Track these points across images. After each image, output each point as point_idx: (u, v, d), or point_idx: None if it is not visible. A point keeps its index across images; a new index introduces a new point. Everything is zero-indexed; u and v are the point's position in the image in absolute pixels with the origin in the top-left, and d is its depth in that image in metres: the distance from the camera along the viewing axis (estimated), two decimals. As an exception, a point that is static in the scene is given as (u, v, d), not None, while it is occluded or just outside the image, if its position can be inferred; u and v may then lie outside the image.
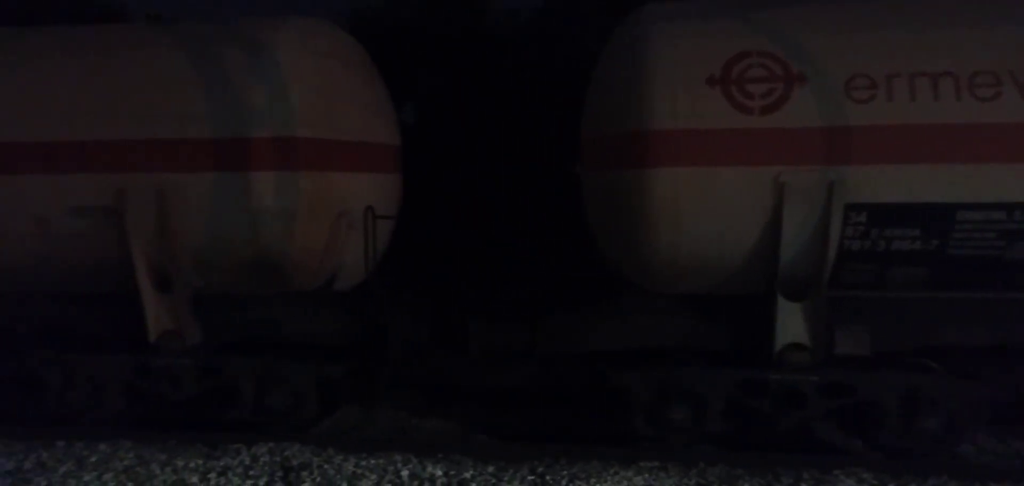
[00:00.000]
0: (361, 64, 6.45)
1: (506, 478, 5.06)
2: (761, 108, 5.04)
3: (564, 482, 4.95)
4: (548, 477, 5.02)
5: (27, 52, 5.95)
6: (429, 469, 5.21)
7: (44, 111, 5.71)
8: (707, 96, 5.07)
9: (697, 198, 5.06)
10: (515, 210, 7.68)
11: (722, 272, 5.27)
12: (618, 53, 5.50)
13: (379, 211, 6.27)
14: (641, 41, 5.28)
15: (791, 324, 5.24)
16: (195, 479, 5.15)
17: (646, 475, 5.03)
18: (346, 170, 5.97)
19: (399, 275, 6.58)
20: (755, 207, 5.06)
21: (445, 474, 5.15)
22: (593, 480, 4.95)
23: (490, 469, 5.23)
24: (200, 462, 5.42)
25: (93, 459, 5.54)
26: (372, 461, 5.35)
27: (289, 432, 5.85)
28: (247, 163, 5.43)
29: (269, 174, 5.44)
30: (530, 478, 5.05)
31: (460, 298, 6.37)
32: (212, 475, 5.20)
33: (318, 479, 5.10)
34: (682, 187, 5.05)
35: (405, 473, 5.15)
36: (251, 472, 5.22)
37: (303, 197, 5.54)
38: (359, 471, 5.20)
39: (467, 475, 5.13)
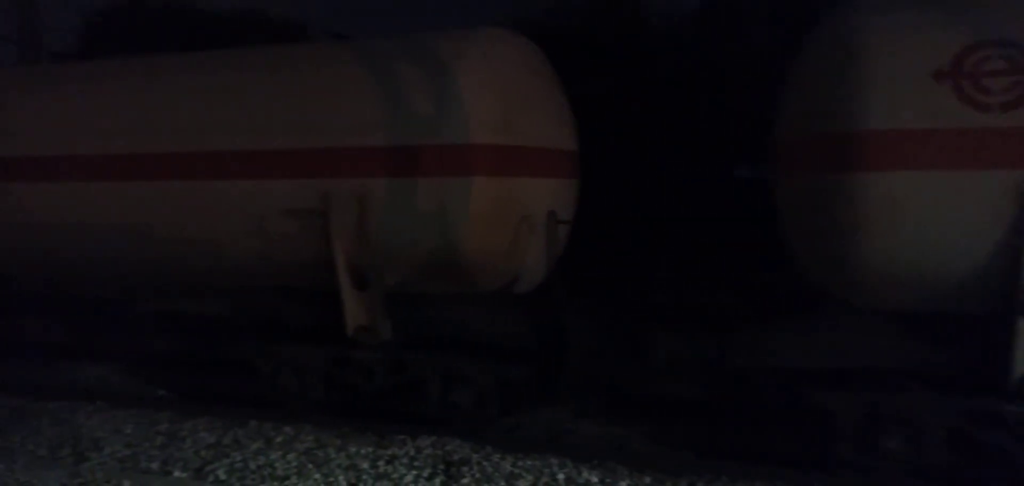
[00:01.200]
0: (543, 71, 6.53)
1: (661, 490, 4.92)
2: (1001, 105, 4.39)
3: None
4: (706, 492, 4.81)
5: (243, 69, 6.63)
6: (585, 475, 5.14)
7: (260, 123, 6.26)
8: (934, 92, 4.50)
9: (920, 205, 4.49)
10: (696, 216, 7.39)
11: (943, 287, 4.66)
12: (826, 46, 5.02)
13: (558, 216, 6.30)
14: (856, 32, 4.79)
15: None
16: (366, 465, 5.45)
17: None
18: (528, 176, 6.07)
19: (578, 280, 6.54)
20: (990, 216, 4.41)
21: (600, 481, 5.10)
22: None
23: (646, 480, 5.10)
24: (370, 449, 5.70)
25: (279, 439, 6.02)
26: (528, 462, 5.29)
27: (471, 430, 5.92)
28: (433, 169, 5.65)
29: (453, 180, 5.62)
30: (687, 492, 4.87)
31: (642, 306, 6.25)
32: (381, 462, 5.44)
33: (477, 475, 5.21)
34: (903, 193, 4.51)
35: (561, 476, 5.13)
36: (415, 463, 5.39)
37: (487, 202, 5.67)
38: (516, 471, 5.16)
39: (622, 484, 5.06)
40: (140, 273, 7.09)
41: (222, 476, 5.32)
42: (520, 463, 5.32)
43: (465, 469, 5.26)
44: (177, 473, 5.41)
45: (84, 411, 6.81)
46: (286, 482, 5.19)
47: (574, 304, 6.24)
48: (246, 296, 6.85)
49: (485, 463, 5.35)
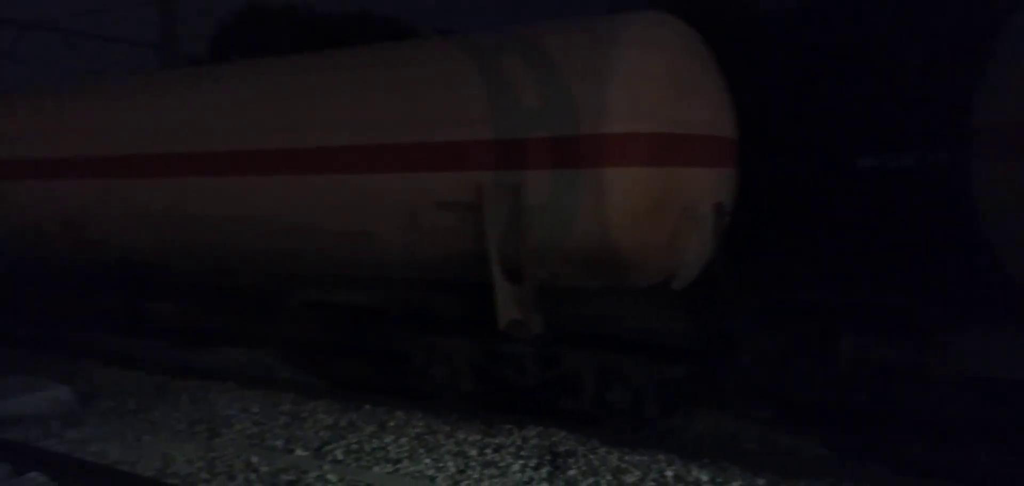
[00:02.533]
0: (701, 54, 6.12)
1: (776, 492, 4.69)
2: None
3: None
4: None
5: (392, 63, 6.58)
6: (694, 473, 5.02)
7: (413, 116, 6.16)
8: None
9: None
10: (858, 207, 6.78)
11: None
12: None
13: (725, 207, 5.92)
14: None
15: None
16: (473, 452, 5.55)
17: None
18: (691, 165, 5.71)
19: (742, 276, 6.15)
20: None
21: (711, 480, 4.95)
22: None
23: (760, 482, 4.91)
24: (478, 438, 5.81)
25: (391, 424, 6.24)
26: (636, 457, 5.21)
27: (630, 431, 5.74)
28: (591, 160, 5.38)
29: (612, 171, 5.34)
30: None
31: (826, 306, 5.66)
32: (488, 450, 5.52)
33: (583, 467, 5.18)
34: None
35: (669, 474, 5.01)
36: (522, 453, 5.43)
37: (646, 193, 5.39)
38: (623, 466, 5.09)
39: (735, 484, 4.88)
40: (293, 265, 7.24)
41: (339, 456, 5.58)
42: (627, 458, 5.25)
43: (571, 461, 5.24)
44: (299, 452, 5.72)
45: (217, 390, 7.34)
46: (399, 465, 5.37)
47: (741, 301, 5.83)
48: (396, 287, 6.83)
49: (591, 456, 5.31)
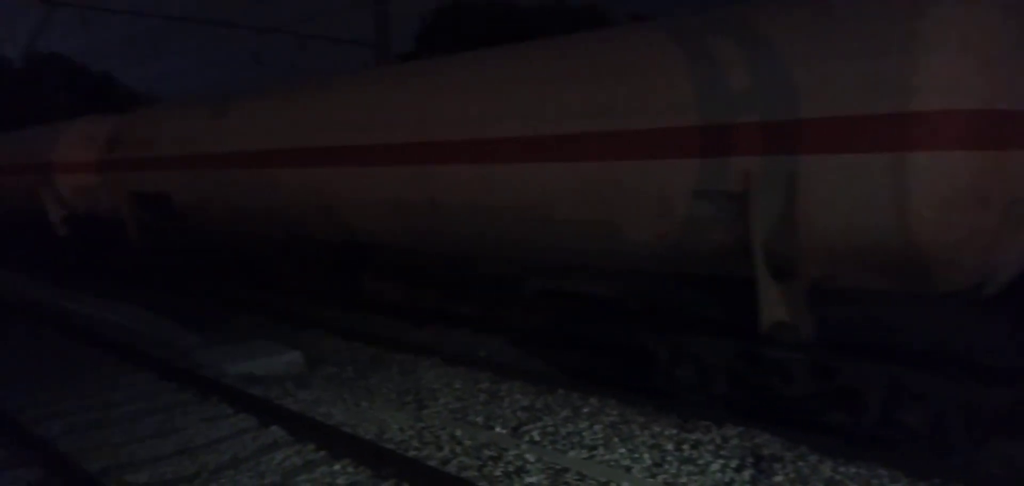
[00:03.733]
0: None
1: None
2: None
3: None
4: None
5: (632, 47, 6.22)
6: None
7: (664, 100, 5.65)
8: None
9: None
10: None
11: None
12: None
13: None
14: None
15: None
16: (670, 446, 5.41)
17: None
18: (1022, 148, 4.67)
19: None
20: None
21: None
22: None
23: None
24: (674, 431, 5.66)
25: (586, 410, 6.27)
26: (852, 469, 4.79)
27: (932, 461, 4.95)
28: (889, 143, 4.56)
29: (918, 155, 4.50)
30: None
31: None
32: (685, 446, 5.36)
33: (791, 474, 4.84)
34: None
35: (895, 494, 4.58)
36: (722, 452, 5.22)
37: (963, 182, 4.49)
38: (837, 477, 4.68)
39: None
40: (531, 253, 7.01)
41: (536, 437, 5.73)
42: (842, 469, 4.85)
43: (777, 466, 4.95)
44: (498, 429, 5.95)
45: (423, 365, 7.86)
46: (594, 451, 5.40)
47: None
48: (639, 279, 6.37)
49: (800, 463, 4.98)
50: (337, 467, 5.23)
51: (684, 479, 4.89)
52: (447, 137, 7.28)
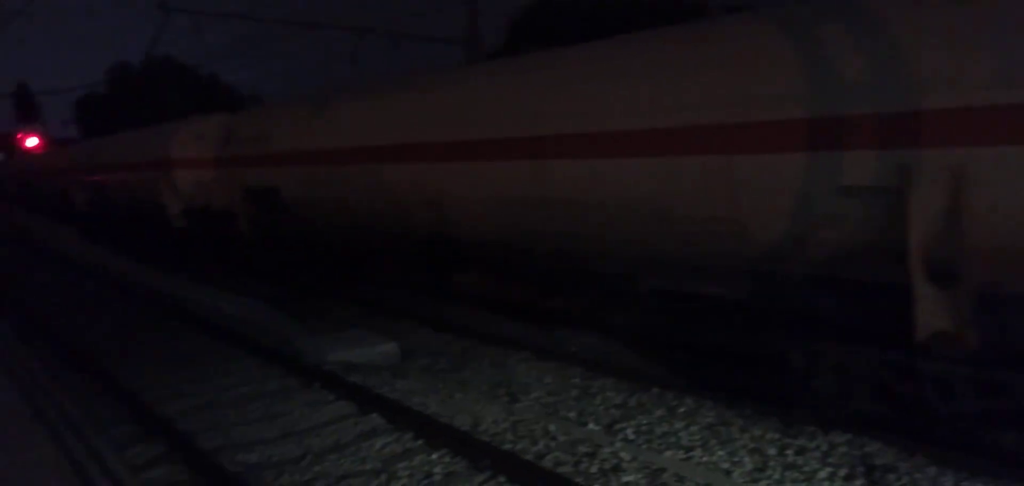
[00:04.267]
0: None
1: None
2: None
3: None
4: None
5: (778, 31, 5.67)
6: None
7: (810, 89, 5.19)
8: None
9: None
10: None
11: None
12: None
13: None
14: None
15: None
16: (772, 451, 5.21)
17: None
18: None
19: None
20: None
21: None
22: None
23: None
24: (776, 436, 5.45)
25: (681, 410, 6.13)
26: (978, 482, 4.52)
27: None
28: None
29: None
30: None
31: None
32: (789, 452, 5.15)
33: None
34: None
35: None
36: (829, 459, 4.97)
37: None
38: (963, 493, 4.49)
39: None
40: (647, 251, 6.63)
41: (631, 436, 5.65)
42: (965, 484, 4.52)
43: (891, 477, 4.68)
44: (591, 426, 5.91)
45: (515, 358, 7.90)
46: (691, 453, 5.28)
47: None
48: (767, 280, 5.92)
49: (917, 475, 4.69)
50: (434, 457, 5.33)
51: (788, 486, 4.71)
52: (560, 131, 7.02)
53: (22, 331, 9.53)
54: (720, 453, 5.24)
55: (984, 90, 4.35)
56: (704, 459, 5.17)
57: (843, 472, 4.82)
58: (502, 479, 4.93)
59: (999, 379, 4.67)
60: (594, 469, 5.06)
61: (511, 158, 7.62)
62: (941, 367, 4.85)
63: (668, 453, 5.30)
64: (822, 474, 4.82)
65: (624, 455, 5.26)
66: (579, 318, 9.13)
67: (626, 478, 4.90)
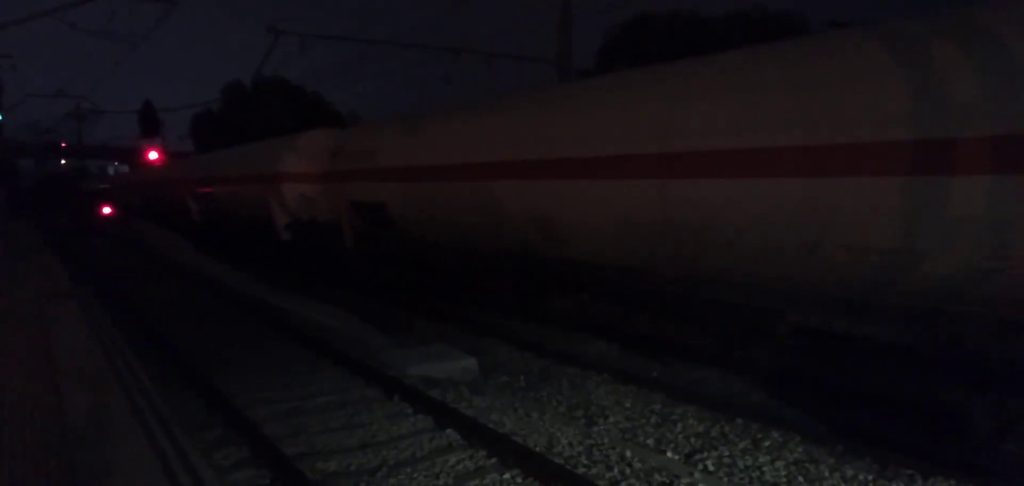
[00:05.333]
0: None
1: None
2: None
3: None
4: None
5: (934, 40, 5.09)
6: None
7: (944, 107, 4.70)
8: None
9: None
10: None
11: None
12: None
13: None
14: None
15: None
16: (864, 494, 4.92)
17: None
18: None
19: None
20: None
21: None
22: None
23: None
24: (869, 477, 5.13)
25: (766, 443, 5.84)
26: None
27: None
28: None
29: None
30: None
31: None
32: (883, 495, 4.87)
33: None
34: None
35: None
36: (929, 507, 4.67)
37: None
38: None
39: None
40: (792, 283, 5.95)
41: (710, 467, 5.42)
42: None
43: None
44: (669, 454, 5.71)
45: (593, 380, 7.77)
46: (774, 490, 5.00)
47: None
48: (941, 321, 5.14)
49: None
50: (507, 476, 5.30)
51: (881, 533, 4.36)
52: (687, 148, 6.45)
53: (131, 337, 10.21)
54: (807, 492, 4.94)
55: None
56: (788, 497, 4.88)
57: (944, 522, 4.43)
58: (573, 504, 4.83)
59: None
60: (669, 500, 4.88)
61: (632, 177, 7.03)
62: None
63: (749, 488, 5.04)
64: (920, 523, 4.45)
65: (702, 487, 5.05)
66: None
67: (702, 512, 4.69)
